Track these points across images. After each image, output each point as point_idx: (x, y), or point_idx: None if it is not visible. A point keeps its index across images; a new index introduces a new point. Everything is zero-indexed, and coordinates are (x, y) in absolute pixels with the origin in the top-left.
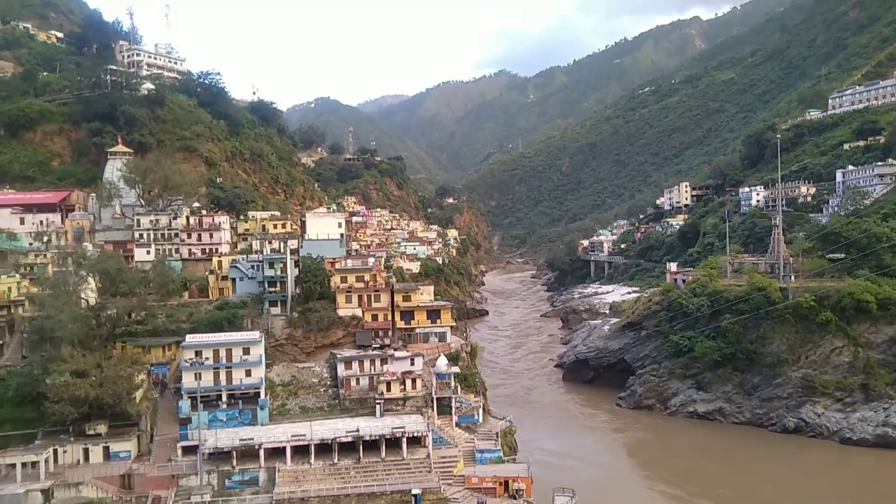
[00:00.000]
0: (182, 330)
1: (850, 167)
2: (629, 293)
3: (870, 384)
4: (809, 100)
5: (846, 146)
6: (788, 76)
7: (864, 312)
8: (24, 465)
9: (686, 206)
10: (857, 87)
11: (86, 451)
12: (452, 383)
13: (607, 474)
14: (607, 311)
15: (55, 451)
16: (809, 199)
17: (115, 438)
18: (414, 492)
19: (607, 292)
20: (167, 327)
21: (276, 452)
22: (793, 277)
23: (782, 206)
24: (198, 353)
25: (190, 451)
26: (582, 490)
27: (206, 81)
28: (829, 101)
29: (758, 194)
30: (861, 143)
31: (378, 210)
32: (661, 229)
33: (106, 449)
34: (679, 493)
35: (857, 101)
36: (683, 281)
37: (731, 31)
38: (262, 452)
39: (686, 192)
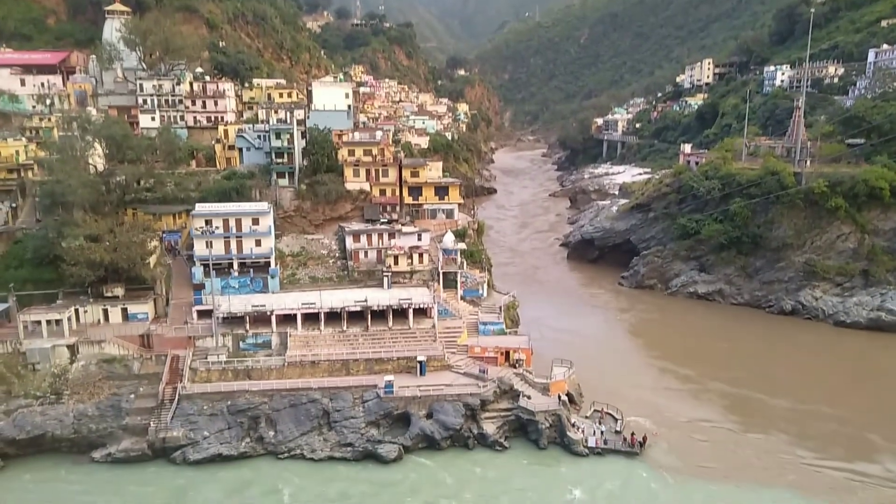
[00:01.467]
0: (191, 199)
1: (885, 46)
2: (640, 174)
3: (871, 270)
4: None
5: (884, 23)
6: None
7: (877, 199)
8: (48, 322)
9: (707, 84)
10: None
11: (105, 312)
12: (458, 259)
13: (604, 348)
14: (616, 192)
15: (76, 311)
16: (837, 80)
17: (133, 301)
18: (419, 358)
19: (618, 173)
20: (176, 195)
21: (287, 319)
22: (808, 162)
23: (807, 87)
24: (208, 223)
25: (204, 314)
26: (579, 362)
27: None
28: None
29: (783, 74)
30: None
31: (386, 80)
32: (678, 109)
33: (124, 310)
34: (676, 370)
35: None
36: (697, 163)
37: None
38: (273, 318)
39: (708, 69)
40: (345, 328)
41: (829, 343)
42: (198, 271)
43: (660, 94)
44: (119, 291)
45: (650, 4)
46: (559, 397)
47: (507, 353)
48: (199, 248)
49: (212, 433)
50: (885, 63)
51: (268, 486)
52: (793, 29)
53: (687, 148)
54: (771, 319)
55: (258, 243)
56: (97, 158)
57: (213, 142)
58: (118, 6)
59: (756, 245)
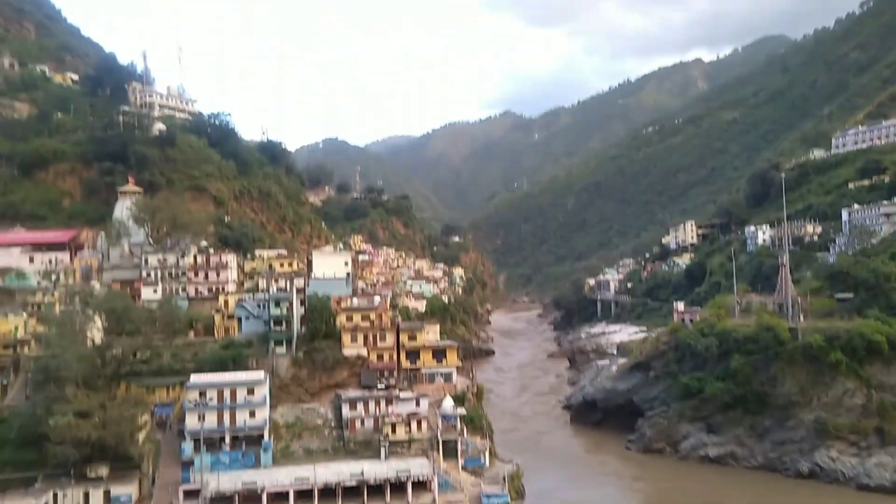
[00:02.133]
0: (187, 369)
1: (856, 206)
2: (637, 333)
3: (885, 427)
4: (813, 139)
5: (851, 185)
6: (791, 116)
7: (876, 353)
8: None
9: (692, 244)
10: (860, 127)
11: (86, 496)
12: (458, 425)
13: None
14: (615, 352)
15: (55, 496)
16: (816, 238)
17: (117, 481)
18: None
19: (614, 332)
20: (172, 367)
21: (280, 497)
22: (802, 317)
23: (789, 245)
24: (202, 394)
25: (191, 495)
26: None
27: (216, 122)
28: (833, 140)
29: (764, 233)
30: (866, 182)
31: (384, 248)
32: (667, 268)
33: (107, 493)
34: None
35: (860, 141)
36: (691, 320)
37: (732, 72)
38: (264, 497)
39: (692, 230)
40: None
41: None
42: (188, 447)
43: (648, 255)
44: (103, 471)
45: (630, 174)
46: None
47: None
48: (191, 421)
49: None
50: (858, 221)
51: None
52: (767, 192)
53: (680, 306)
54: (790, 484)
55: (252, 414)
56: (96, 331)
57: (214, 311)
58: (131, 187)
59: (762, 403)
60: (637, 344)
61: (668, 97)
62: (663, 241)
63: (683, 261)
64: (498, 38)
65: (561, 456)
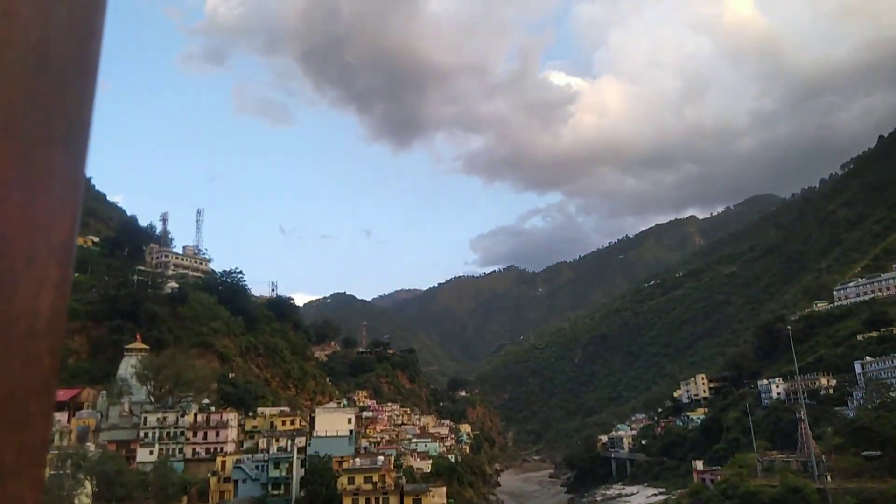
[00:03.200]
0: None
1: (868, 358)
2: (655, 495)
3: None
4: (814, 291)
5: (859, 337)
6: (790, 269)
7: None
8: None
9: (705, 398)
10: (860, 280)
11: None
12: None
13: None
14: None
15: None
16: (831, 391)
17: None
18: None
19: (632, 493)
20: None
21: None
22: (829, 477)
23: (804, 399)
24: None
25: None
26: None
27: (228, 280)
28: (835, 292)
29: (777, 387)
30: (874, 333)
31: (389, 404)
32: (681, 423)
33: None
34: None
35: (861, 293)
36: (712, 481)
37: (727, 228)
38: None
39: (703, 384)
40: None
41: None
42: None
43: (660, 410)
44: None
45: (635, 326)
46: None
47: None
48: None
49: None
50: (872, 374)
51: None
52: (775, 343)
53: (699, 465)
54: None
55: None
56: (84, 498)
57: (209, 474)
58: (138, 344)
59: None
60: None
61: (666, 252)
62: (675, 394)
63: (697, 415)
64: (498, 200)
65: None
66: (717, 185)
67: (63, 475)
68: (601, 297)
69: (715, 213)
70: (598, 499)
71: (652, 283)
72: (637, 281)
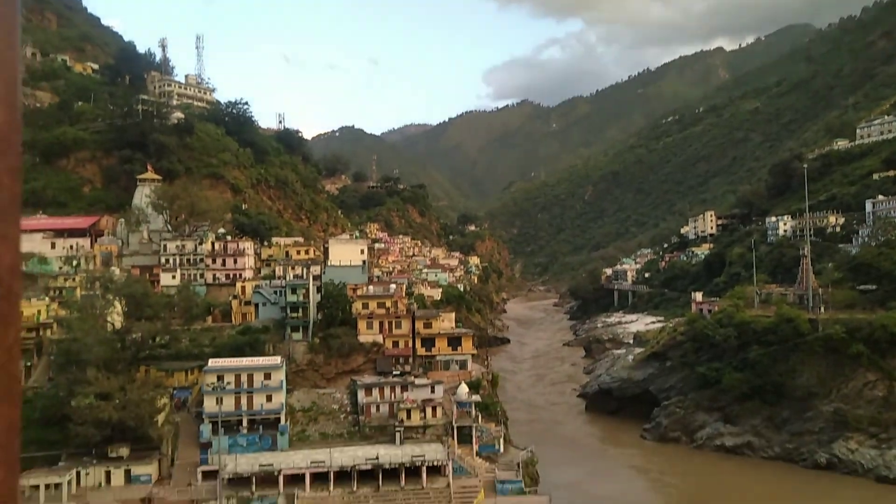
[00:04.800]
0: (205, 354)
1: (881, 197)
2: (653, 323)
3: None
4: (836, 129)
5: (875, 176)
6: (815, 106)
7: None
8: (47, 486)
9: (711, 235)
10: (886, 117)
11: (107, 474)
12: (473, 412)
13: None
14: (631, 341)
15: (77, 474)
16: (838, 229)
17: (137, 462)
18: None
19: (631, 321)
20: (190, 351)
21: (296, 479)
22: (822, 309)
23: (810, 235)
24: (219, 378)
25: (210, 475)
26: None
27: (233, 110)
28: (857, 130)
29: (785, 224)
30: (891, 172)
31: (400, 237)
32: (685, 258)
33: (127, 472)
34: None
35: (886, 131)
36: (709, 311)
37: (755, 61)
38: (281, 479)
39: (711, 221)
40: (355, 489)
41: (871, 501)
42: (206, 429)
43: (666, 245)
44: (124, 452)
45: (649, 163)
46: None
47: None
48: (209, 405)
49: None
50: (882, 212)
51: None
52: (789, 182)
53: (698, 296)
54: (807, 475)
55: (269, 398)
56: (116, 316)
57: (231, 298)
58: (150, 174)
59: (780, 394)
60: (654, 334)
61: (688, 87)
62: (682, 231)
63: (702, 251)
64: (514, 27)
65: (575, 444)
66: (751, 13)
67: (94, 296)
68: (616, 134)
69: (744, 45)
70: (599, 325)
71: (670, 118)
72: (655, 117)
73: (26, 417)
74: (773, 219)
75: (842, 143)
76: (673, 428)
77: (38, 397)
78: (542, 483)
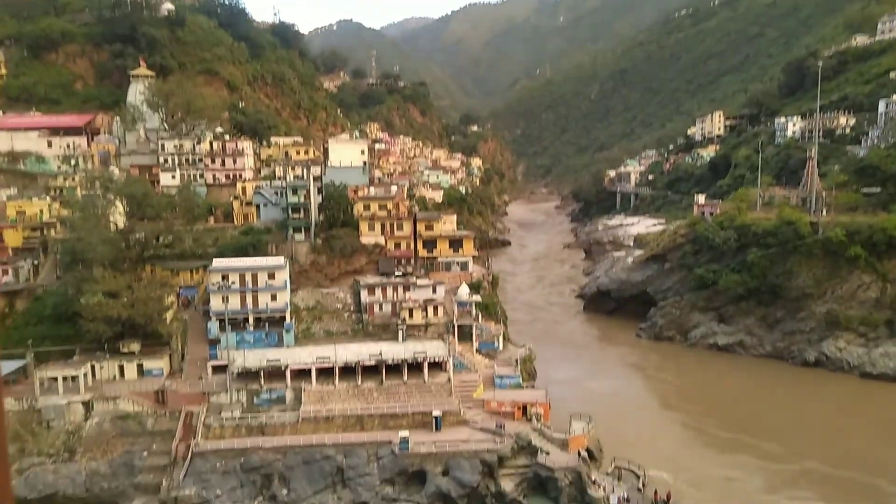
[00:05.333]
0: (208, 254)
1: (895, 97)
2: (655, 225)
3: (895, 320)
4: (857, 24)
5: (892, 74)
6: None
7: None
8: (64, 378)
9: (718, 136)
10: None
11: (121, 368)
12: (473, 311)
13: (623, 403)
14: (631, 244)
15: (92, 367)
16: (848, 130)
17: (148, 356)
18: (435, 413)
19: (632, 224)
20: (194, 251)
21: (302, 373)
22: (824, 212)
23: (819, 137)
24: (224, 277)
25: (219, 370)
26: (598, 417)
27: (225, 1)
28: (879, 25)
29: (794, 125)
30: None
31: (401, 137)
32: (690, 160)
33: (140, 366)
34: (698, 424)
35: None
36: (711, 214)
37: None
38: (288, 373)
39: (719, 121)
40: (359, 383)
41: (855, 395)
42: (213, 326)
43: (671, 147)
44: (135, 347)
45: (659, 60)
46: (579, 453)
47: (525, 408)
48: (216, 303)
49: (224, 491)
50: (895, 113)
51: None
52: (802, 81)
53: (701, 199)
54: (794, 371)
55: (274, 297)
56: (118, 216)
57: (232, 198)
58: (143, 70)
59: (775, 295)
60: (654, 236)
61: None
62: (689, 132)
63: (708, 153)
64: None
65: (572, 342)
66: None
67: (95, 196)
68: (626, 29)
69: None
70: (600, 228)
71: (683, 12)
72: (667, 10)
73: (39, 314)
74: (783, 119)
75: (860, 40)
76: (668, 327)
77: (48, 295)
78: (539, 378)
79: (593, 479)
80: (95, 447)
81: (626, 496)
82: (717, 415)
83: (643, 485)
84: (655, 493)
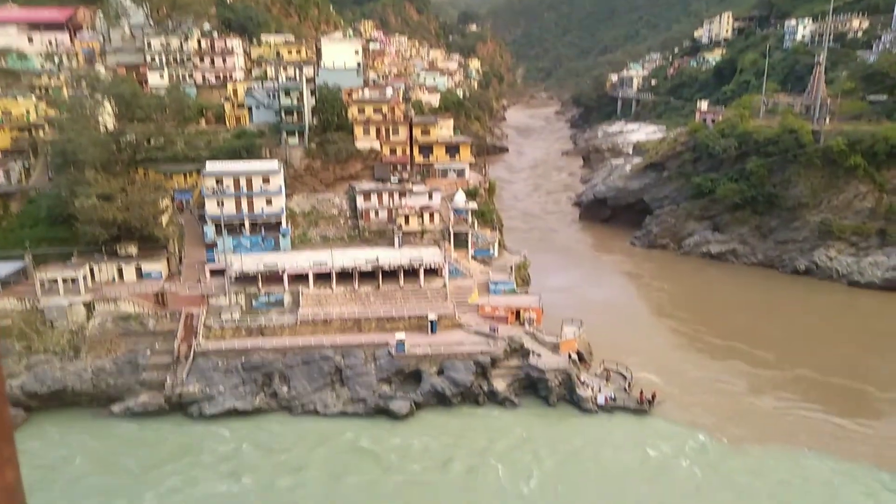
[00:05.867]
0: (201, 157)
1: None
2: (655, 132)
3: (888, 230)
4: None
5: None
6: None
7: None
8: (64, 280)
9: (726, 40)
10: None
11: (120, 270)
12: (469, 218)
13: (614, 308)
14: (630, 151)
15: (91, 270)
16: (861, 34)
17: (146, 259)
18: (430, 317)
19: (632, 131)
20: (186, 154)
21: (299, 278)
22: (828, 119)
23: (829, 41)
24: (219, 181)
25: (217, 273)
26: (589, 322)
27: None
28: None
29: (804, 28)
30: None
31: (396, 36)
32: (696, 65)
33: (138, 269)
34: (687, 330)
35: None
36: (713, 121)
37: None
38: (285, 277)
39: (727, 23)
40: (356, 287)
41: (841, 303)
42: (210, 230)
43: (677, 50)
44: (132, 250)
45: None
46: (569, 356)
47: (518, 313)
48: (211, 208)
49: (227, 389)
50: None
51: (284, 437)
52: None
53: (703, 105)
54: (784, 279)
55: (269, 202)
56: (107, 117)
57: (223, 100)
58: None
59: (771, 205)
60: (654, 144)
61: None
62: (696, 34)
63: (714, 57)
64: None
65: (566, 249)
66: None
67: (82, 96)
68: None
69: None
70: (599, 134)
71: None
72: None
73: (34, 216)
74: (793, 22)
75: None
76: (662, 235)
77: (42, 197)
78: (533, 285)
79: (582, 379)
80: (100, 346)
81: (612, 396)
82: (706, 321)
83: (630, 385)
84: (641, 392)
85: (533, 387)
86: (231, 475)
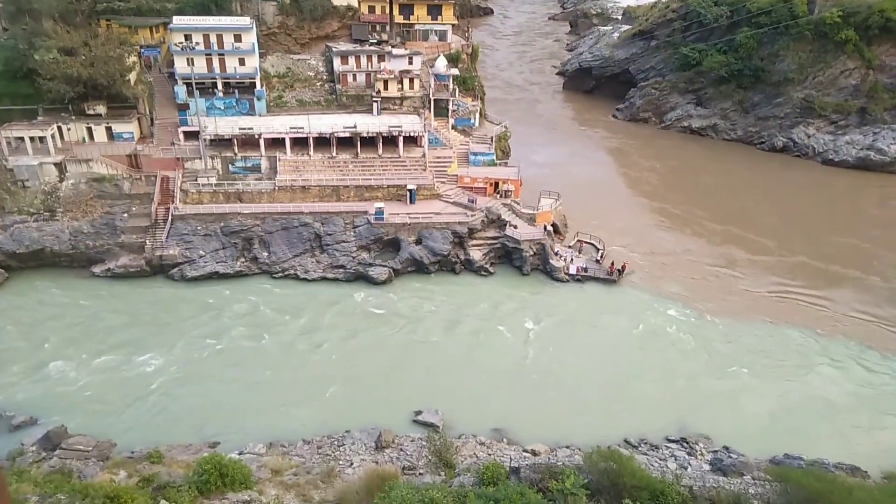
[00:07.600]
0: (167, 10)
1: None
2: None
3: (869, 108)
4: None
5: None
6: None
7: (890, 33)
8: (31, 139)
9: None
10: None
11: (89, 131)
12: (451, 85)
13: (592, 181)
14: (620, 17)
15: (59, 129)
16: None
17: (117, 120)
18: (409, 186)
19: None
20: (151, 6)
21: (276, 143)
22: None
23: None
24: (187, 38)
25: (191, 136)
26: (567, 195)
27: None
28: None
29: None
30: None
31: None
32: None
33: (109, 129)
34: (657, 202)
35: None
36: None
37: None
38: (262, 142)
39: None
40: (334, 154)
41: (813, 180)
42: (181, 90)
43: None
44: (101, 109)
45: None
46: (544, 227)
47: (496, 184)
48: (181, 66)
49: (207, 252)
50: None
51: (266, 298)
52: None
53: None
54: (760, 156)
55: (242, 62)
56: None
57: None
58: None
59: (757, 79)
60: (645, 9)
61: None
62: None
63: None
64: None
65: (548, 121)
66: None
67: None
68: None
69: None
70: None
71: None
72: None
73: None
74: None
75: None
76: (645, 108)
77: None
78: (513, 157)
79: (556, 251)
80: (75, 207)
81: (584, 266)
82: (680, 196)
83: (602, 256)
84: (612, 263)
85: (508, 257)
86: (220, 332)
